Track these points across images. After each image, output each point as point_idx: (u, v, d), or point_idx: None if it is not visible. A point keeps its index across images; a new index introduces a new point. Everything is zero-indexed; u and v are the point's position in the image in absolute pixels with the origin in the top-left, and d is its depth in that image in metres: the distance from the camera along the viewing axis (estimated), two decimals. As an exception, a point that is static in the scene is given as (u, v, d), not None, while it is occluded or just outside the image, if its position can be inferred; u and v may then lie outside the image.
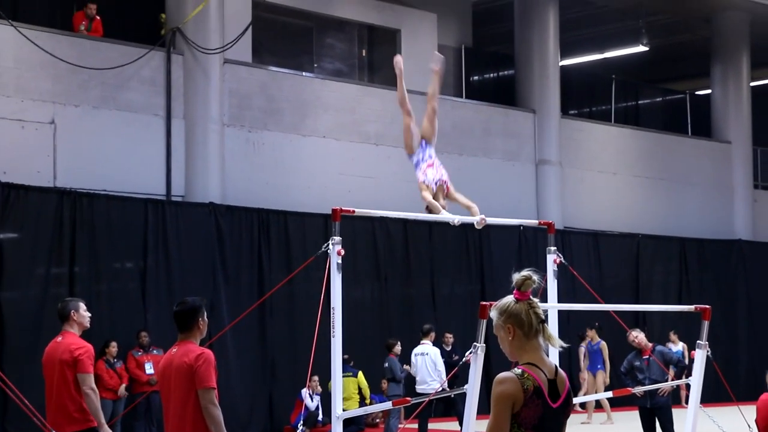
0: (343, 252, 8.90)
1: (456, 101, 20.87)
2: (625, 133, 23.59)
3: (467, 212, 9.50)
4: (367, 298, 18.23)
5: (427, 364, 15.07)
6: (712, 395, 16.52)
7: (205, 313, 6.38)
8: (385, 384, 16.15)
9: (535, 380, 4.02)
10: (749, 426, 9.22)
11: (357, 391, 16.18)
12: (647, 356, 11.76)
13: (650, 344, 11.99)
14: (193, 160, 16.77)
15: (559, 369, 4.18)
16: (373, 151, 18.99)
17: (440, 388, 12.95)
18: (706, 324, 9.48)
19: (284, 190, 17.78)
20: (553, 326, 9.71)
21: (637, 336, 11.88)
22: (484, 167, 20.35)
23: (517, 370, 4.04)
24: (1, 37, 15.19)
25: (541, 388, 4.03)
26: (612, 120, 24.68)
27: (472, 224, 9.47)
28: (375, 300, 18.33)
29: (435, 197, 9.34)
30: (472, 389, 7.62)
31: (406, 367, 15.58)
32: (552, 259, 10.48)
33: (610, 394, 12.89)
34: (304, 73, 19.25)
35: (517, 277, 4.17)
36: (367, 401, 16.12)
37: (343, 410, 9.16)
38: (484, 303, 7.35)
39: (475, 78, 23.28)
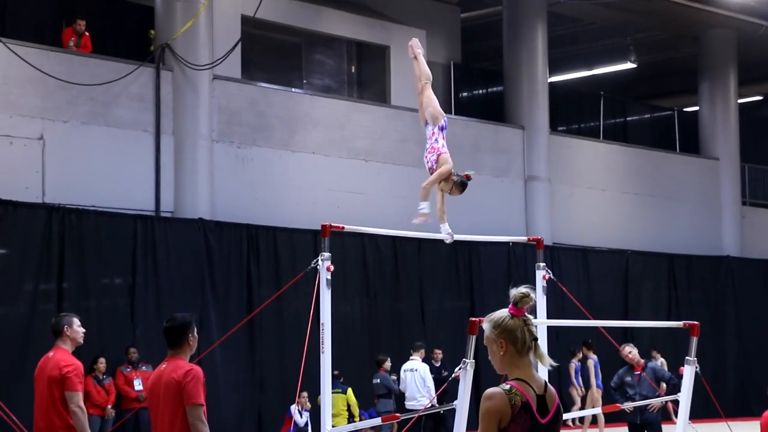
0: (332, 268, 8.90)
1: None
2: (613, 149, 23.67)
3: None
4: (357, 314, 18.21)
5: (417, 380, 15.08)
6: (701, 411, 16.54)
7: (195, 329, 6.37)
8: (377, 400, 16.14)
9: (523, 396, 4.03)
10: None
11: (346, 408, 16.14)
12: (639, 372, 11.74)
13: (642, 360, 11.98)
14: (182, 176, 16.76)
15: (549, 385, 4.19)
16: (363, 167, 19.01)
17: (429, 404, 12.93)
18: (694, 340, 9.49)
19: (273, 205, 17.77)
20: (542, 342, 9.71)
21: (631, 351, 11.83)
22: (473, 183, 20.16)
23: (506, 386, 4.05)
24: (-10, 52, 15.18)
25: (529, 403, 4.03)
26: (600, 136, 24.76)
27: (461, 240, 9.50)
28: (364, 316, 18.31)
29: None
30: (462, 405, 7.62)
31: (393, 377, 15.59)
32: (541, 275, 10.49)
33: (599, 410, 12.90)
34: (293, 89, 19.28)
35: (514, 292, 4.17)
36: (356, 418, 16.09)
37: (332, 426, 9.14)
38: (474, 319, 7.35)
39: (464, 94, 23.35)
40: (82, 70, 15.98)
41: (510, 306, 4.16)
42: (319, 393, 9.31)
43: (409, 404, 15.29)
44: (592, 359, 18.75)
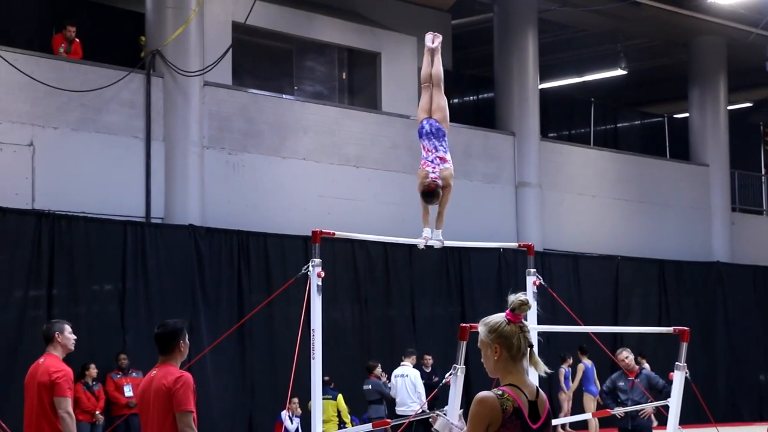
0: (323, 274, 8.90)
1: (436, 124, 20.89)
2: (604, 155, 23.72)
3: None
4: (347, 320, 18.20)
5: (407, 385, 15.07)
6: (691, 416, 16.58)
7: (187, 336, 6.37)
8: (369, 406, 16.13)
9: (515, 401, 4.03)
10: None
11: (336, 414, 16.14)
12: (632, 378, 11.55)
13: (637, 367, 11.84)
14: (173, 182, 16.74)
15: (540, 391, 4.20)
16: (354, 174, 19.02)
17: (420, 410, 12.93)
18: (684, 345, 9.51)
19: (264, 212, 17.76)
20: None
21: (627, 356, 11.64)
22: (464, 189, 20.38)
23: (498, 391, 4.05)
24: (-20, 58, 15.15)
25: (521, 409, 4.04)
26: (591, 143, 24.82)
27: (452, 246, 9.49)
28: (355, 322, 18.31)
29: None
30: (452, 411, 7.62)
31: (385, 379, 15.59)
32: (531, 281, 10.50)
33: (589, 415, 12.89)
34: (284, 96, 19.28)
35: (513, 298, 4.17)
36: (347, 424, 16.08)
37: (323, 433, 9.14)
38: (464, 325, 7.37)
39: (455, 101, 23.37)
40: (72, 76, 15.96)
41: (507, 311, 4.16)
42: (309, 399, 9.30)
43: (399, 410, 15.28)
44: (584, 364, 18.78)
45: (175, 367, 6.26)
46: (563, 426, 19.18)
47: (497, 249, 19.79)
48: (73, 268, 15.25)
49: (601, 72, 26.55)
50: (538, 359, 4.17)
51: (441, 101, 9.31)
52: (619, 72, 25.52)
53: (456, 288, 19.71)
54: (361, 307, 18.37)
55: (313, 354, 8.83)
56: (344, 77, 21.46)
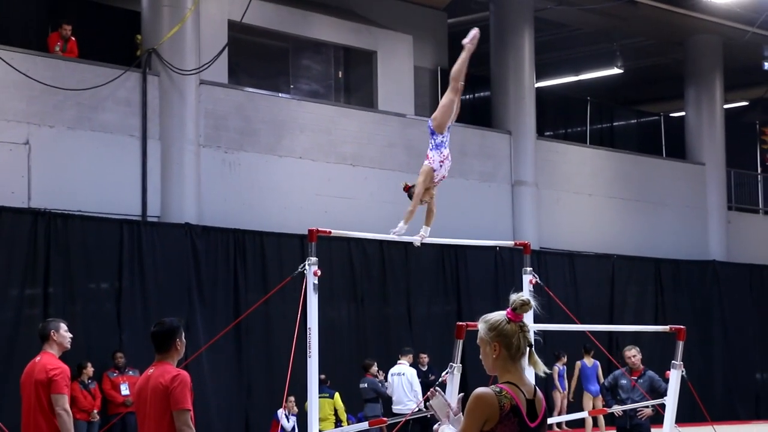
0: (319, 272, 8.91)
1: (432, 122, 20.89)
2: (600, 154, 23.73)
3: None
4: (344, 318, 18.20)
5: (404, 384, 15.08)
6: (687, 415, 16.60)
7: (183, 334, 6.37)
8: (365, 405, 16.13)
9: (513, 399, 4.04)
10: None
11: (333, 412, 16.14)
12: (636, 377, 11.31)
13: (642, 366, 11.64)
14: (169, 180, 16.73)
15: (538, 389, 4.20)
16: (350, 172, 19.02)
17: (417, 409, 12.94)
18: (680, 344, 9.53)
19: (260, 210, 17.76)
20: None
21: (635, 354, 11.39)
22: (461, 188, 20.39)
23: (496, 388, 4.06)
24: (-24, 57, 15.13)
25: (519, 407, 4.05)
26: (587, 141, 24.83)
27: (449, 244, 9.52)
28: (351, 320, 18.31)
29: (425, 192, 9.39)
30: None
31: (382, 377, 15.59)
32: (528, 279, 10.52)
33: (585, 413, 12.88)
34: (280, 94, 19.27)
35: (515, 298, 4.17)
36: (344, 422, 16.09)
37: (320, 431, 9.14)
38: (461, 323, 7.37)
39: (451, 99, 23.33)
40: (68, 74, 15.94)
41: (508, 310, 4.16)
42: (306, 397, 9.30)
43: (396, 408, 15.29)
44: (582, 363, 18.75)
45: (172, 365, 6.26)
46: (558, 424, 19.19)
47: (493, 247, 19.80)
48: (69, 266, 15.24)
49: (598, 71, 26.57)
50: (538, 359, 4.18)
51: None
52: (616, 71, 25.55)
53: (452, 286, 19.71)
54: (357, 305, 18.38)
55: (310, 352, 8.83)
56: (340, 76, 21.46)
